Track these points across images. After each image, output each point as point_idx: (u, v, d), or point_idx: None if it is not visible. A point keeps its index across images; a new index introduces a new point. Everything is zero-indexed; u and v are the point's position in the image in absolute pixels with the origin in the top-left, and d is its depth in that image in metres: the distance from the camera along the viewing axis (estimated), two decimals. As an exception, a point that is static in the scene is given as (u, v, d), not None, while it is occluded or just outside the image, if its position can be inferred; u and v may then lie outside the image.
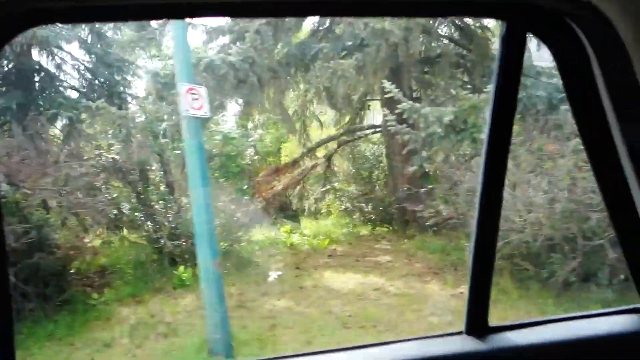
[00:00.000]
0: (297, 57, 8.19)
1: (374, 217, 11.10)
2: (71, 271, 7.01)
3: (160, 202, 7.91)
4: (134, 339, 5.81)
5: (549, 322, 1.65)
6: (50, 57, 11.06)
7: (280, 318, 6.21)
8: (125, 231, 8.09)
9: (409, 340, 1.62)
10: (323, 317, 6.19)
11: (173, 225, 7.82)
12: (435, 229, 10.03)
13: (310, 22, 9.39)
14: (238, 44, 7.77)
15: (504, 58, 1.41)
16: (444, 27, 9.25)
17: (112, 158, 7.94)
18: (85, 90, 10.91)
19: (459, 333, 1.60)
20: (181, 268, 7.49)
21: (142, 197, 7.90)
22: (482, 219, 1.54)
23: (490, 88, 1.49)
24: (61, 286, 6.68)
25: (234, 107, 9.06)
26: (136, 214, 7.92)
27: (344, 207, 11.69)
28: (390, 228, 10.81)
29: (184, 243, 7.81)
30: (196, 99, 5.63)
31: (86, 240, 7.19)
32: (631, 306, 1.66)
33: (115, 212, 7.85)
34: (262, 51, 7.76)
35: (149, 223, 7.90)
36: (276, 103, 8.51)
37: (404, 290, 6.93)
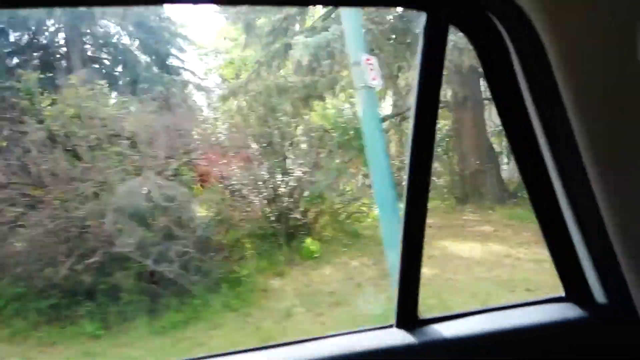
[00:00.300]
0: (403, 30, 8.24)
1: (443, 191, 11.35)
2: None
3: (279, 176, 7.90)
4: (307, 308, 5.88)
5: (477, 312, 1.70)
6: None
7: (436, 285, 6.38)
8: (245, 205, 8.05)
9: (338, 335, 1.63)
10: (478, 283, 6.39)
11: (292, 199, 7.85)
12: (514, 200, 10.42)
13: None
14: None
15: (425, 49, 1.44)
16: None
17: (226, 133, 7.86)
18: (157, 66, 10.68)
19: (389, 326, 1.63)
20: (308, 240, 7.56)
21: (258, 171, 7.86)
22: (409, 210, 1.56)
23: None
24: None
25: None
26: (255, 188, 7.87)
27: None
28: (457, 200, 11.10)
29: (301, 217, 7.86)
30: (371, 70, 5.66)
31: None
32: (556, 295, 1.75)
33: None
34: (377, 23, 7.78)
35: (265, 198, 7.88)
36: (390, 76, 8.55)
37: (535, 256, 7.18)
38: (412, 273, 1.62)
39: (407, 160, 1.51)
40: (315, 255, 7.46)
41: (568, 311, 1.66)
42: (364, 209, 8.80)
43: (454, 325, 1.63)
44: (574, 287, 1.67)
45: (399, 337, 1.57)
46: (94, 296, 5.88)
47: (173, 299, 5.92)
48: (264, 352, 1.56)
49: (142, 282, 5.84)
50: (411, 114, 1.50)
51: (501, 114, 1.53)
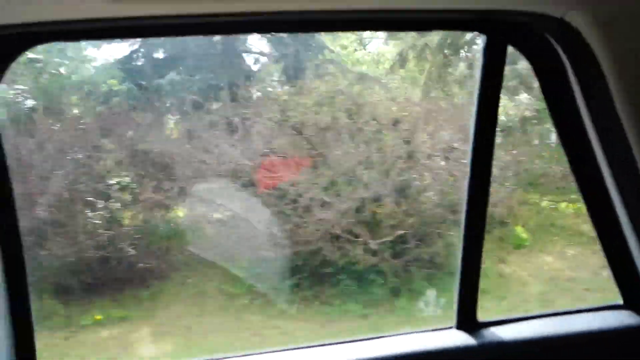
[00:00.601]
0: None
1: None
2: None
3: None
4: (559, 294, 5.94)
5: (536, 317, 1.73)
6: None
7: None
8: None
9: (400, 335, 1.67)
10: None
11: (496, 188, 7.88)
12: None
13: None
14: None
15: (485, 68, 1.51)
16: None
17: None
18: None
19: (449, 328, 1.66)
20: (518, 228, 7.58)
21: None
22: (469, 217, 1.60)
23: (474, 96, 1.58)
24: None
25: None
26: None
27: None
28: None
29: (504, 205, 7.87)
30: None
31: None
32: (613, 303, 1.77)
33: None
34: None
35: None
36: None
37: None
38: (471, 276, 1.67)
39: (467, 168, 1.60)
40: (526, 244, 7.48)
41: (625, 318, 1.70)
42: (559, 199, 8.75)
43: (512, 329, 1.67)
44: (631, 294, 1.73)
45: (458, 338, 1.63)
46: (339, 277, 6.09)
47: (420, 281, 6.07)
48: (327, 348, 1.63)
49: (390, 263, 6.01)
50: (470, 130, 1.59)
51: (559, 129, 1.60)
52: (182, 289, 6.64)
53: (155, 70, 8.02)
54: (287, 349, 1.66)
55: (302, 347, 1.68)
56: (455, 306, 1.70)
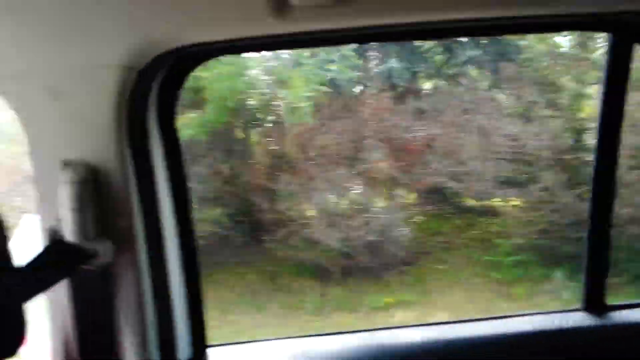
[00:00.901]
0: None
1: None
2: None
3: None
4: None
5: None
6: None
7: None
8: None
9: (527, 314, 1.70)
10: None
11: None
12: None
13: None
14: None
15: (610, 68, 1.51)
16: None
17: None
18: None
19: (576, 310, 1.66)
20: None
21: None
22: (597, 200, 1.60)
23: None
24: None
25: None
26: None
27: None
28: None
29: None
30: None
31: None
32: None
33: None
34: None
35: None
36: None
37: None
38: (601, 257, 1.63)
39: (592, 164, 1.59)
40: None
41: None
42: None
43: None
44: None
45: (585, 320, 1.62)
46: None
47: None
48: (454, 326, 1.67)
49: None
50: (596, 128, 1.58)
51: None
52: (444, 275, 6.70)
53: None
54: (419, 325, 1.92)
55: (434, 324, 1.80)
56: (582, 288, 1.70)
